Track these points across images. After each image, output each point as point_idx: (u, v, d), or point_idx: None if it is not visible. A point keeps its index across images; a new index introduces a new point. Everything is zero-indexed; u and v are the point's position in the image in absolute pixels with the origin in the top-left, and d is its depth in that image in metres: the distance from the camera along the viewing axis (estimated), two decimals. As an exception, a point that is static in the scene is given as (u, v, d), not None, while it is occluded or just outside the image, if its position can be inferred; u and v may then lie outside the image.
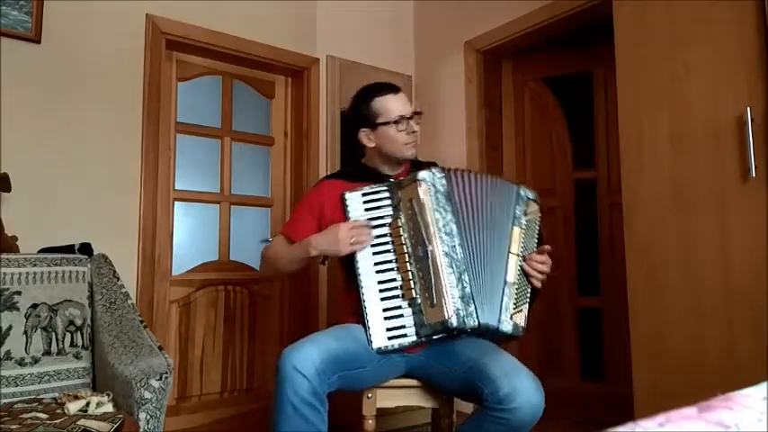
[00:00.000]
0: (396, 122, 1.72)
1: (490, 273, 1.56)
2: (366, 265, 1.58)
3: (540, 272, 1.61)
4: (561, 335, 2.90)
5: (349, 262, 1.63)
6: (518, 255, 1.60)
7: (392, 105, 1.73)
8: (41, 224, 2.21)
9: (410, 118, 1.73)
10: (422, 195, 1.54)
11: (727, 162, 1.61)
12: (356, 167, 1.86)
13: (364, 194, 1.63)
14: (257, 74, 3.05)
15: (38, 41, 2.27)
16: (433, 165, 1.69)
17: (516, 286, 1.58)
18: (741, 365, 1.54)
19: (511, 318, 1.55)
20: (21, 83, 2.23)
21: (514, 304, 1.56)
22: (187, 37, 2.67)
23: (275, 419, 1.40)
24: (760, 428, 0.50)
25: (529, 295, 1.62)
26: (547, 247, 1.64)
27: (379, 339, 1.53)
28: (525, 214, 1.64)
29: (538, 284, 1.62)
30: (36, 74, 2.28)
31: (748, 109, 1.55)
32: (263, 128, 3.10)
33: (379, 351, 1.53)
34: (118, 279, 2.01)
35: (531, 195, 1.68)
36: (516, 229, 1.61)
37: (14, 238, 2.04)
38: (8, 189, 2.05)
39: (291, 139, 3.13)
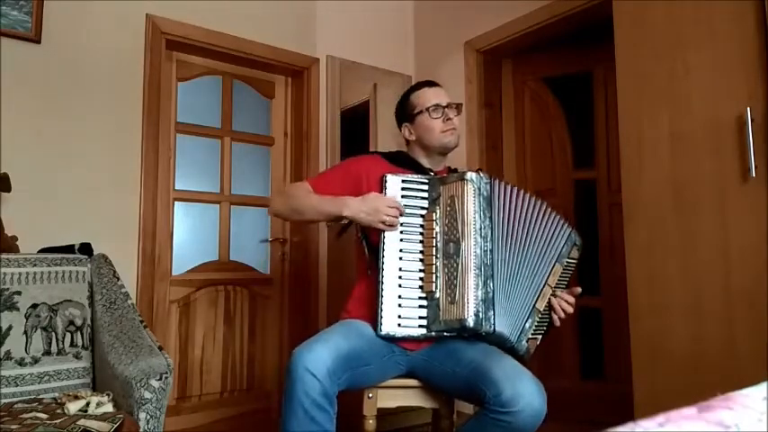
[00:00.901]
0: (429, 111, 1.76)
1: (520, 291, 1.59)
2: (392, 248, 1.58)
3: (564, 311, 1.64)
4: (561, 335, 2.89)
5: (374, 245, 1.63)
6: (552, 288, 1.64)
7: (427, 96, 1.79)
8: (41, 224, 2.21)
9: (446, 107, 1.77)
10: (466, 195, 1.55)
11: (727, 162, 1.61)
12: (399, 154, 1.87)
13: (404, 181, 1.64)
14: (257, 74, 3.05)
15: (38, 41, 2.27)
16: (480, 170, 1.73)
17: (541, 315, 1.62)
18: (741, 365, 1.54)
19: (527, 341, 1.59)
20: (21, 83, 2.23)
21: (534, 330, 1.60)
22: (187, 37, 2.67)
23: (284, 420, 1.40)
24: (760, 428, 0.50)
25: (545, 329, 1.65)
26: (578, 289, 1.67)
27: (389, 325, 1.53)
28: (569, 255, 1.68)
29: (558, 323, 1.66)
30: (36, 74, 2.28)
31: (748, 109, 1.55)
32: (263, 128, 3.10)
33: (386, 336, 1.53)
34: (118, 279, 2.01)
35: (578, 242, 1.71)
36: (558, 266, 1.65)
37: (14, 238, 2.04)
38: (8, 189, 2.05)
39: (291, 139, 3.13)
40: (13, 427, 1.37)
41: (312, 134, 3.03)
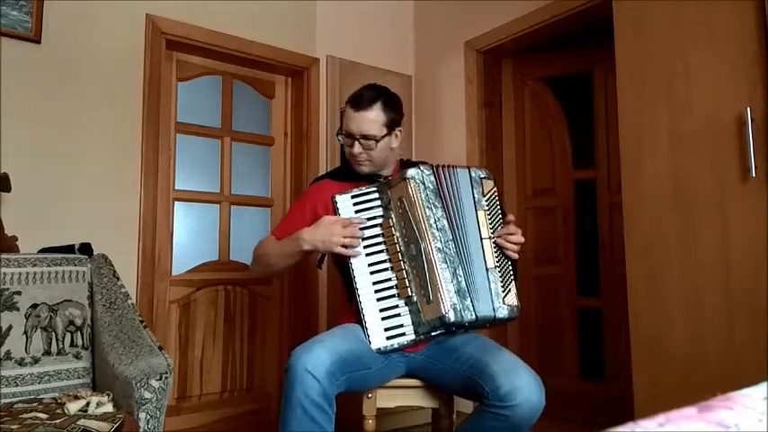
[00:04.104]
0: (341, 135, 1.74)
1: (474, 263, 1.56)
2: (360, 266, 1.59)
3: (515, 243, 1.61)
4: (561, 335, 2.90)
5: (345, 267, 1.63)
6: (489, 238, 1.60)
7: (347, 117, 1.72)
8: (41, 224, 2.21)
9: (357, 138, 1.68)
10: (411, 193, 1.54)
11: (727, 162, 1.61)
12: (346, 167, 1.85)
13: (354, 196, 1.63)
14: (257, 74, 3.05)
15: (38, 41, 2.27)
16: (422, 163, 1.69)
17: (498, 269, 1.58)
18: (741, 365, 1.54)
19: (503, 301, 1.55)
20: (21, 83, 2.23)
21: (502, 287, 1.57)
22: (187, 37, 2.67)
23: (284, 420, 1.40)
24: (760, 428, 0.50)
25: (511, 272, 1.62)
26: (510, 217, 1.64)
27: (378, 340, 1.54)
28: (484, 195, 1.63)
29: (515, 256, 1.62)
30: (36, 74, 2.28)
31: (748, 109, 1.55)
32: (263, 128, 3.10)
33: (379, 351, 1.54)
34: (118, 279, 2.01)
35: (482, 174, 1.66)
36: (481, 213, 1.61)
37: (14, 238, 2.04)
38: (8, 189, 2.05)
39: (291, 139, 3.13)
40: (13, 427, 1.37)
41: (312, 134, 3.03)
